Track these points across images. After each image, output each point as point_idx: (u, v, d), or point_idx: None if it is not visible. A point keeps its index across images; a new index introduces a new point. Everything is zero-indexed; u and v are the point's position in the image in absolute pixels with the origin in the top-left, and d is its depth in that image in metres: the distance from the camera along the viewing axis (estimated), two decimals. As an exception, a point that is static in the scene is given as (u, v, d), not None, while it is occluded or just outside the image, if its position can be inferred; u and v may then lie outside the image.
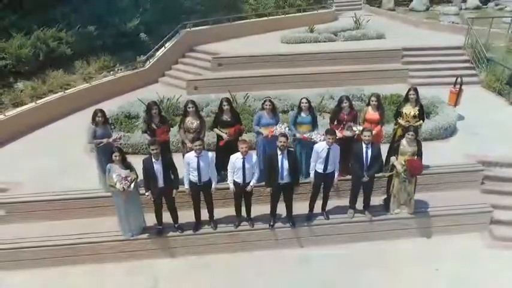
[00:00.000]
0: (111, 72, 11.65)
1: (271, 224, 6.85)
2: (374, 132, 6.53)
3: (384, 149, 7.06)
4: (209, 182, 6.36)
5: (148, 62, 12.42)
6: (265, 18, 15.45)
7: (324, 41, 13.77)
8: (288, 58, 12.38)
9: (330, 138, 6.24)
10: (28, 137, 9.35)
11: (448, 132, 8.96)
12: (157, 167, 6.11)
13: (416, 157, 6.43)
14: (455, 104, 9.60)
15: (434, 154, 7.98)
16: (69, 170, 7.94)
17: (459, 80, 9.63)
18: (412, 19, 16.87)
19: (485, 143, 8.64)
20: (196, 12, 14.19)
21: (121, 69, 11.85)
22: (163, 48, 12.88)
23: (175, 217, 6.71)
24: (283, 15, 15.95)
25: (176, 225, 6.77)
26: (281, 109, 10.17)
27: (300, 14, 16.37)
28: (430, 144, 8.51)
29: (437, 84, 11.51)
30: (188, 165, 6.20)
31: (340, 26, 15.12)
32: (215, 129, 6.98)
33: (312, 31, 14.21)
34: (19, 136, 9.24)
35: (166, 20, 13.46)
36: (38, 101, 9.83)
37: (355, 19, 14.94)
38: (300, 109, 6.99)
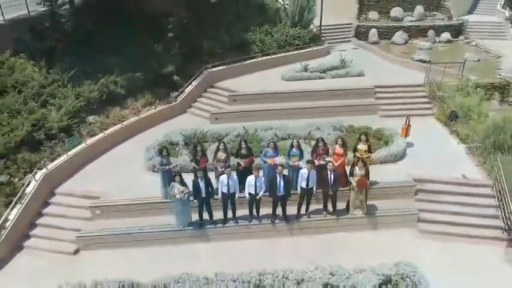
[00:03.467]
0: (153, 107, 15.43)
1: (273, 220, 10.61)
2: (336, 164, 10.23)
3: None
4: (234, 193, 10.12)
5: (179, 97, 16.18)
6: (269, 56, 19.14)
7: (315, 79, 17.49)
8: (286, 95, 16.13)
9: (310, 166, 9.98)
10: (101, 158, 13.14)
11: (398, 157, 12.66)
12: (202, 184, 9.87)
13: (364, 177, 10.14)
14: (406, 136, 13.28)
15: (385, 173, 11.75)
16: (134, 183, 11.72)
17: (408, 119, 13.31)
18: (389, 56, 20.46)
19: (424, 165, 12.31)
20: (215, 54, 17.90)
21: (159, 104, 15.61)
22: (190, 85, 16.66)
23: (211, 215, 10.48)
24: (284, 53, 19.64)
25: (211, 221, 10.54)
26: (280, 137, 13.92)
27: (298, 51, 20.04)
28: (383, 166, 12.27)
29: (402, 116, 15.03)
30: (222, 183, 9.95)
31: (329, 63, 18.74)
32: (236, 159, 10.72)
33: (306, 70, 17.90)
34: (94, 158, 13.05)
35: (192, 62, 17.22)
36: (105, 132, 13.63)
37: (341, 59, 18.61)
38: (292, 146, 10.72)
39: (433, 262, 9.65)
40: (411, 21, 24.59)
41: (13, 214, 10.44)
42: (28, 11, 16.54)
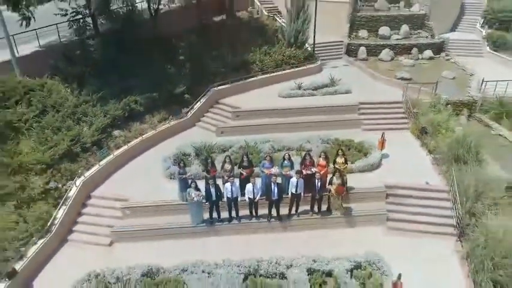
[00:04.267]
0: (167, 122, 17.96)
1: (269, 219, 13.14)
2: (319, 174, 12.74)
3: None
4: (237, 197, 12.65)
5: (189, 113, 18.71)
6: (268, 75, 21.65)
7: (308, 96, 20.02)
8: (282, 111, 18.65)
9: (298, 176, 12.50)
10: (126, 167, 15.68)
11: (374, 167, 15.16)
12: (212, 190, 12.40)
13: (341, 186, 12.65)
14: (381, 149, 15.78)
15: (363, 181, 14.26)
16: (155, 188, 14.25)
17: (383, 134, 15.81)
18: (374, 74, 22.91)
19: (395, 173, 14.81)
20: (220, 73, 20.41)
21: (172, 119, 18.14)
22: (198, 102, 19.18)
23: (219, 215, 13.01)
24: (281, 72, 22.14)
25: (219, 219, 13.07)
26: (276, 148, 16.44)
27: (294, 69, 22.54)
28: (362, 175, 14.77)
29: (381, 130, 17.49)
30: (227, 189, 12.48)
31: (320, 82, 21.20)
32: (239, 169, 13.24)
33: (299, 88, 20.41)
34: (121, 167, 15.59)
35: (200, 81, 19.74)
36: (128, 144, 16.18)
37: (330, 78, 21.13)
38: (284, 159, 13.24)
39: (396, 252, 12.13)
40: (397, 39, 27.08)
41: (60, 213, 13.00)
42: (59, 37, 19.10)
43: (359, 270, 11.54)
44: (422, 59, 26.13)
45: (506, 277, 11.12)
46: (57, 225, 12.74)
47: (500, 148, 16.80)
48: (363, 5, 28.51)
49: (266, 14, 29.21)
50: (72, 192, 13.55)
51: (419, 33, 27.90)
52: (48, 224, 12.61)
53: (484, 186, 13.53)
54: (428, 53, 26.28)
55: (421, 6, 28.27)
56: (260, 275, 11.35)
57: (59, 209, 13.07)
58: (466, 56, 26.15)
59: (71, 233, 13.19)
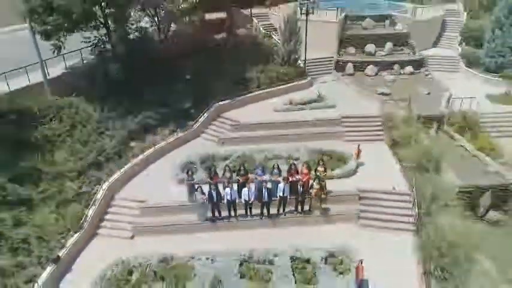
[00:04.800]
0: (175, 134, 20.85)
1: (261, 217, 16.04)
2: (304, 180, 15.63)
3: (311, 185, 16.24)
4: (235, 199, 15.55)
5: (194, 126, 21.58)
6: (264, 90, 24.51)
7: (298, 110, 22.88)
8: (274, 125, 21.52)
9: (285, 182, 15.41)
10: (142, 173, 18.58)
11: (350, 174, 18.04)
12: (214, 193, 15.31)
13: (319, 190, 15.54)
14: (357, 158, 18.64)
15: (341, 185, 17.14)
16: (167, 191, 17.14)
17: (359, 145, 18.69)
18: (358, 89, 25.76)
19: (368, 179, 17.68)
20: (222, 90, 23.26)
21: (180, 131, 21.01)
22: (202, 116, 22.04)
23: (220, 214, 15.93)
24: (275, 87, 25.01)
25: (220, 217, 15.98)
26: (269, 157, 19.29)
27: (287, 85, 25.39)
28: (340, 180, 17.63)
29: (361, 141, 20.33)
30: (226, 193, 15.39)
31: (310, 96, 24.08)
32: (237, 176, 16.12)
33: (291, 103, 23.28)
34: (138, 173, 18.49)
35: (204, 97, 22.59)
36: (143, 154, 19.09)
37: (318, 94, 24.00)
38: (273, 168, 16.14)
39: (364, 244, 14.98)
40: (382, 55, 29.90)
41: (90, 212, 15.91)
42: (82, 60, 22.03)
43: (332, 258, 14.44)
44: (403, 74, 28.89)
45: (450, 264, 14.04)
46: (88, 222, 15.65)
47: (459, 158, 19.65)
48: (351, 24, 31.35)
49: (263, 31, 32.09)
50: (100, 195, 16.46)
51: (402, 50, 30.66)
52: (81, 221, 15.51)
53: (439, 191, 16.46)
54: (409, 68, 29.06)
55: (404, 25, 31.09)
56: (253, 262, 14.24)
57: (89, 209, 15.98)
58: (444, 72, 29.02)
59: (99, 228, 16.11)
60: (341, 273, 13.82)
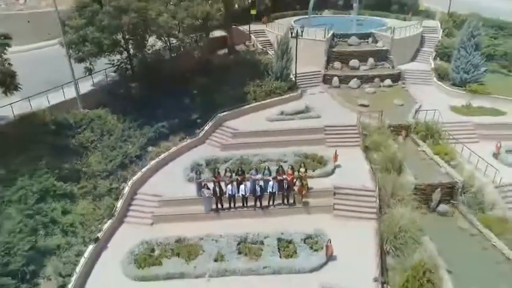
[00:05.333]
0: (184, 141, 24.94)
1: (255, 208, 20.16)
2: (289, 179, 19.74)
3: (295, 183, 20.38)
4: (234, 194, 19.67)
5: (200, 134, 25.68)
6: (260, 102, 28.59)
7: (288, 120, 26.96)
8: (267, 132, 25.61)
9: (274, 180, 19.54)
10: (158, 173, 22.66)
11: (328, 174, 22.12)
12: (217, 190, 19.44)
13: (301, 187, 19.65)
14: (335, 161, 22.71)
15: (320, 184, 21.24)
16: (180, 188, 21.24)
17: (336, 150, 22.77)
18: (341, 101, 29.84)
19: (343, 179, 21.75)
20: (224, 103, 27.33)
21: (188, 138, 25.11)
22: (207, 125, 26.13)
23: (222, 206, 20.05)
24: (269, 100, 29.08)
25: (223, 208, 20.09)
26: (262, 160, 23.36)
27: (279, 97, 29.45)
28: (319, 179, 21.70)
29: (341, 146, 24.37)
30: (228, 189, 19.53)
31: (298, 107, 28.15)
32: (235, 176, 20.23)
33: (282, 113, 27.37)
34: (155, 173, 22.59)
35: (208, 109, 26.69)
36: (159, 157, 23.18)
37: (305, 105, 28.09)
38: (265, 169, 20.28)
39: (336, 229, 19.04)
40: (364, 70, 33.97)
41: (119, 204, 20.00)
42: (106, 77, 26.17)
43: (309, 239, 18.51)
44: (383, 86, 32.96)
45: (401, 244, 18.13)
46: (117, 212, 19.76)
47: (419, 160, 23.71)
48: (337, 42, 35.43)
49: (260, 47, 36.23)
50: (126, 190, 20.58)
51: (382, 64, 34.74)
52: (112, 211, 19.62)
53: (398, 188, 20.57)
54: (388, 81, 33.13)
55: (385, 42, 35.15)
56: (248, 242, 18.33)
57: (118, 201, 20.10)
58: (418, 85, 33.08)
59: (126, 217, 20.22)
60: (315, 250, 17.90)
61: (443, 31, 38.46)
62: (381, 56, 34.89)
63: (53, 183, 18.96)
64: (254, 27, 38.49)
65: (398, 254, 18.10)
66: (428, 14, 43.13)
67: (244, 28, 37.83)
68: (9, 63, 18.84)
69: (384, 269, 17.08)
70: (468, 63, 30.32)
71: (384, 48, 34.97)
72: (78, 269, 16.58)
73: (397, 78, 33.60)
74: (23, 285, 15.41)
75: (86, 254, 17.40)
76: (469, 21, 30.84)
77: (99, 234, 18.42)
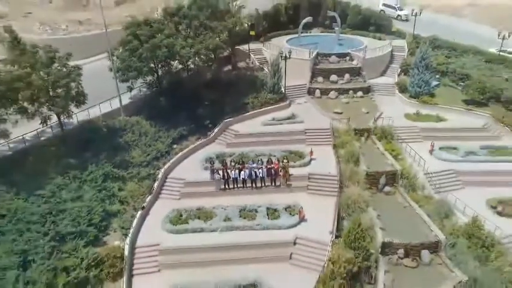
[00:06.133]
0: (199, 140, 33.25)
1: (252, 188, 28.53)
2: (276, 167, 28.07)
3: (280, 170, 28.74)
4: (237, 177, 28.03)
5: (211, 135, 33.97)
6: (256, 111, 36.83)
7: (278, 124, 35.25)
8: (261, 134, 33.91)
9: (265, 168, 27.90)
10: (181, 164, 30.95)
11: (305, 164, 30.40)
12: (225, 174, 27.79)
13: (285, 173, 27.97)
14: (311, 156, 30.97)
15: (299, 172, 29.59)
16: (198, 174, 29.57)
17: (311, 148, 31.04)
18: (321, 109, 38.06)
19: (316, 168, 30.03)
20: (229, 111, 35.56)
21: (202, 138, 33.42)
22: (216, 129, 34.42)
23: (228, 186, 28.41)
24: (264, 108, 37.31)
25: (228, 187, 28.43)
26: (257, 154, 31.66)
27: (272, 106, 37.68)
28: (299, 169, 30.02)
29: (316, 145, 32.64)
30: (232, 174, 27.90)
31: (286, 115, 36.46)
32: (238, 165, 28.55)
33: (273, 119, 35.65)
34: (178, 164, 30.91)
35: (217, 116, 34.96)
36: (181, 152, 31.52)
37: (291, 113, 36.37)
38: (259, 160, 28.64)
39: (308, 202, 27.35)
40: (341, 83, 42.17)
41: (155, 185, 28.28)
42: (140, 91, 34.53)
43: (289, 208, 26.82)
44: (355, 97, 41.09)
45: (352, 211, 26.46)
46: (155, 190, 28.06)
47: (373, 155, 31.97)
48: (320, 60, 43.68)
49: (258, 64, 44.50)
50: (160, 175, 28.89)
51: (356, 79, 42.89)
52: (151, 189, 27.92)
53: (354, 174, 28.89)
54: (360, 93, 41.29)
55: (359, 61, 43.36)
56: (246, 210, 26.65)
57: (155, 183, 28.40)
58: (384, 96, 41.25)
59: (160, 194, 28.53)
60: (292, 215, 26.20)
61: (408, 50, 46.57)
62: (355, 72, 43.00)
63: (111, 169, 27.33)
64: (253, 45, 46.58)
65: (349, 219, 26.41)
66: (400, 34, 51.18)
67: (245, 48, 46.01)
68: (81, 86, 27.15)
69: (338, 226, 25.38)
70: (420, 80, 38.53)
71: (357, 65, 43.12)
72: (133, 224, 24.90)
73: (367, 90, 41.72)
74: (100, 234, 23.77)
75: (136, 217, 25.70)
76: (421, 46, 39.11)
77: (144, 204, 26.73)
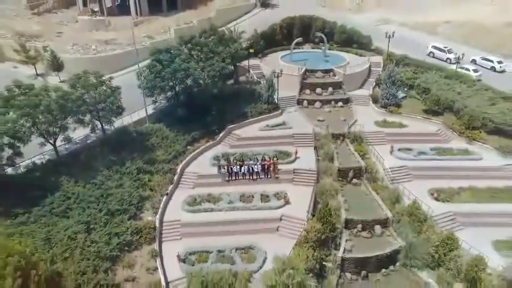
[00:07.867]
0: (209, 142, 41.81)
1: (249, 180, 37.12)
2: (266, 165, 36.65)
3: (271, 166, 37.34)
4: (238, 172, 36.62)
5: (217, 138, 42.51)
6: (254, 118, 45.23)
7: (271, 130, 43.79)
8: (258, 138, 42.44)
9: (260, 164, 36.51)
10: (195, 161, 39.58)
11: (291, 162, 38.95)
12: (229, 169, 36.39)
13: (275, 168, 36.54)
14: (296, 155, 39.46)
15: (286, 167, 38.20)
16: (209, 169, 38.14)
17: (296, 149, 39.58)
18: (307, 117, 46.61)
19: (300, 164, 38.55)
20: (232, 119, 44.02)
21: (211, 140, 41.97)
22: (222, 133, 42.94)
23: (231, 178, 37.00)
24: (260, 116, 45.77)
25: (232, 179, 37.03)
26: (254, 154, 40.21)
27: (266, 115, 46.15)
28: (286, 165, 38.61)
29: (301, 146, 41.13)
30: (235, 169, 36.49)
31: (278, 122, 45.00)
32: (239, 162, 37.13)
33: (267, 126, 44.20)
34: (192, 161, 39.52)
35: (223, 123, 43.50)
36: (194, 152, 40.14)
37: (282, 121, 44.93)
38: (255, 159, 37.21)
39: (293, 190, 35.90)
40: (325, 95, 50.60)
41: (175, 177, 36.87)
42: (160, 104, 43.16)
43: (277, 194, 35.39)
44: (337, 107, 49.54)
45: (326, 197, 35.12)
46: (175, 181, 36.63)
47: (345, 155, 40.46)
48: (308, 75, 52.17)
49: (256, 78, 52.99)
50: (179, 170, 37.47)
51: (338, 91, 51.33)
52: (173, 180, 36.48)
53: (328, 169, 37.46)
54: (340, 103, 49.78)
55: (340, 76, 51.81)
56: (245, 196, 35.19)
57: (175, 176, 36.99)
58: (360, 106, 49.67)
59: (179, 184, 37.08)
60: (280, 199, 34.77)
61: (383, 66, 54.95)
62: (337, 85, 51.38)
63: (142, 165, 35.93)
64: (252, 62, 55.05)
65: (322, 202, 34.90)
66: (378, 51, 59.56)
67: (245, 64, 54.45)
68: (120, 101, 35.76)
69: (314, 208, 33.91)
70: (388, 93, 47.01)
71: (339, 80, 51.57)
72: (160, 205, 33.49)
73: (346, 101, 50.15)
74: (138, 211, 32.39)
75: (163, 200, 34.26)
76: (388, 66, 47.65)
77: (167, 191, 35.29)
